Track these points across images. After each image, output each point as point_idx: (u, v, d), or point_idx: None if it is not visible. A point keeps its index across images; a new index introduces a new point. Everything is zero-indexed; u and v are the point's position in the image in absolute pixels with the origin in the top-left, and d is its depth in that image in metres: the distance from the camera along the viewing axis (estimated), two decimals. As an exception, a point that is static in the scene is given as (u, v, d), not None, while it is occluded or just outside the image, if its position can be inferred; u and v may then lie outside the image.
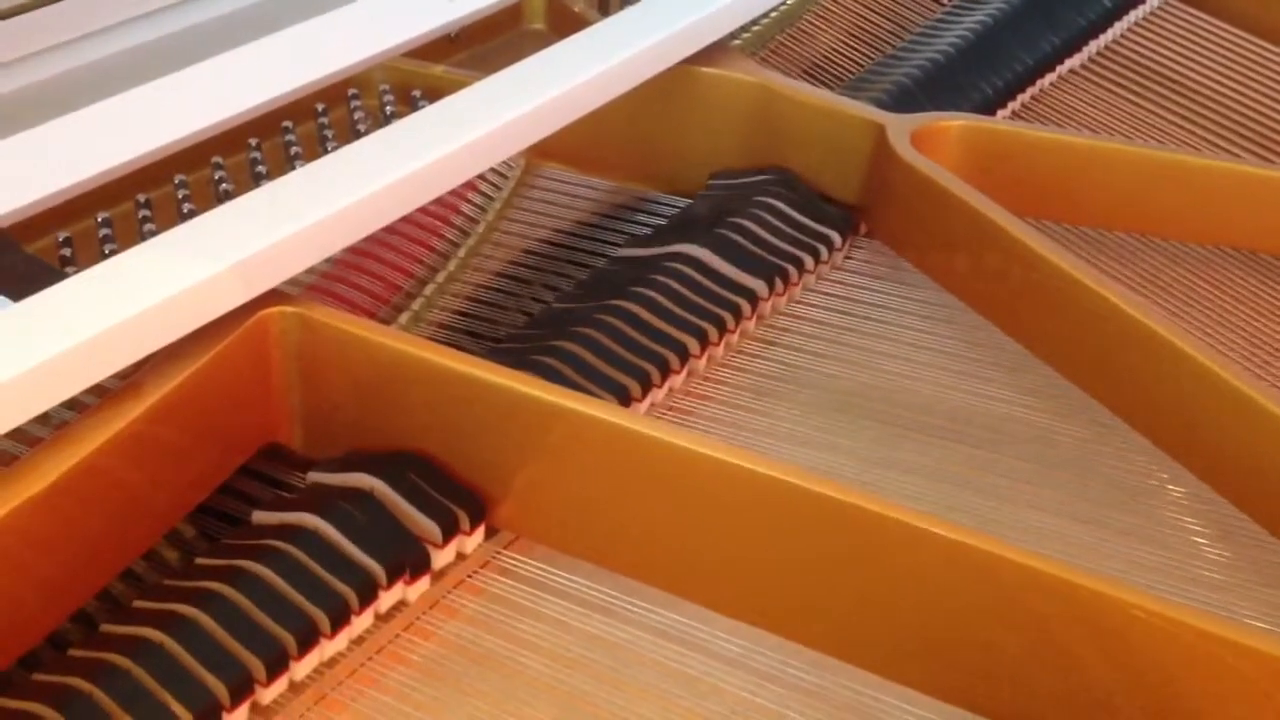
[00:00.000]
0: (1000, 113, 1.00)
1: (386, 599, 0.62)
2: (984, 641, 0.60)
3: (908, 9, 1.11)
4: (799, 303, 0.84)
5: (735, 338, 0.80)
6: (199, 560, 0.62)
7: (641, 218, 0.92)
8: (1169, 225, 0.89)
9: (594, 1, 1.07)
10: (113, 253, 0.77)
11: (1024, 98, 1.02)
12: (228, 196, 0.83)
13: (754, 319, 0.81)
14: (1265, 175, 0.90)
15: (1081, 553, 0.68)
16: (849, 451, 0.73)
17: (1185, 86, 1.06)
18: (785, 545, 0.62)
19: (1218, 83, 1.06)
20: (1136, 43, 1.10)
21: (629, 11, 0.91)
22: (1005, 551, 0.59)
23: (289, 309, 0.66)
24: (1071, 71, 1.06)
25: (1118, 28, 1.09)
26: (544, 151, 0.92)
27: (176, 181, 0.84)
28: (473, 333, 0.81)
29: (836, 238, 0.86)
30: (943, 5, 1.10)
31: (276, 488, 0.69)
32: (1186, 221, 0.89)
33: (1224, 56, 1.09)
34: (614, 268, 0.84)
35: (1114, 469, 0.73)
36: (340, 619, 0.59)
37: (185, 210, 0.82)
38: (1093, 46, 1.07)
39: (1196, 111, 1.04)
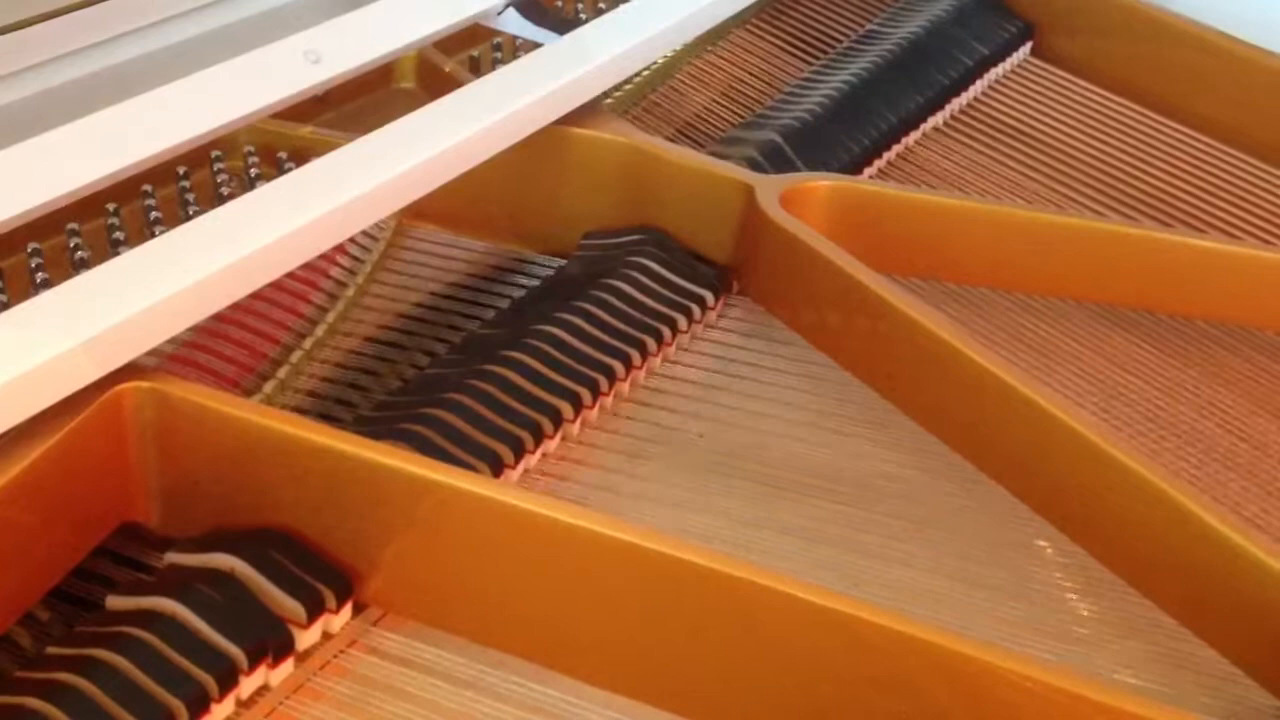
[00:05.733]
0: (867, 170, 1.01)
1: (248, 684, 0.60)
2: (861, 707, 0.60)
3: (777, 68, 1.13)
4: (673, 363, 0.84)
5: (610, 400, 0.80)
6: (50, 650, 0.59)
7: (516, 278, 0.91)
8: (1030, 280, 0.91)
9: (466, 61, 1.07)
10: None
11: (890, 155, 1.04)
12: (84, 265, 0.81)
13: (629, 381, 0.81)
14: (1123, 232, 0.93)
15: (952, 610, 0.68)
16: (723, 512, 0.73)
17: (1045, 143, 1.09)
18: (658, 614, 0.62)
19: (1077, 139, 1.09)
20: (997, 100, 1.13)
21: (500, 72, 0.90)
22: (878, 617, 0.59)
23: (144, 384, 0.64)
24: (935, 129, 1.08)
25: (978, 85, 1.12)
26: (416, 212, 0.91)
27: (29, 250, 0.81)
28: (344, 401, 0.79)
29: (710, 297, 0.87)
30: (810, 64, 1.12)
31: (135, 569, 0.66)
32: (1046, 276, 0.91)
33: (1083, 113, 1.12)
34: (487, 331, 0.83)
35: (981, 524, 0.74)
36: (199, 708, 0.57)
37: (39, 280, 0.79)
38: (955, 104, 1.10)
39: (1056, 168, 1.06)
